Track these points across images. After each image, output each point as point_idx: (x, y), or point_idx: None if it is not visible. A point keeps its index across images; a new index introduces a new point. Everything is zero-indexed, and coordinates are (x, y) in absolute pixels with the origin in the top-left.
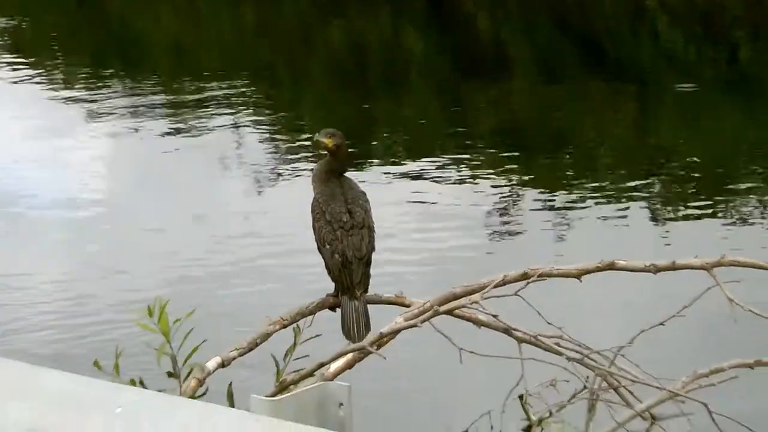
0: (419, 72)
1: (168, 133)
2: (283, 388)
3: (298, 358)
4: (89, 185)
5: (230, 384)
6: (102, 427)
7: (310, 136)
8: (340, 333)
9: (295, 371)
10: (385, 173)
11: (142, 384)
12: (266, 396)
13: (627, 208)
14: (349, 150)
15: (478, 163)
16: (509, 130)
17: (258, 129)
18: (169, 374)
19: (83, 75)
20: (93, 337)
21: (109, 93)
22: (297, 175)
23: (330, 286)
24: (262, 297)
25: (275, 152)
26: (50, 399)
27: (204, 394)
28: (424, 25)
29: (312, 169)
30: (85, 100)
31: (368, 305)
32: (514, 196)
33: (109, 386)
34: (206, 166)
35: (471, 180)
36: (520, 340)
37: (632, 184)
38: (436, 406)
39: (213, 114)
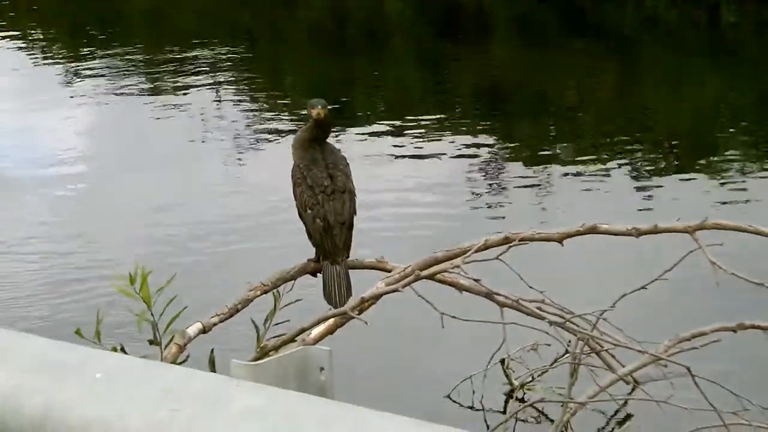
0: (400, 35)
1: (147, 97)
2: (264, 353)
3: (278, 323)
4: (67, 150)
5: (212, 350)
6: (81, 392)
7: (290, 99)
8: (321, 298)
9: (276, 336)
10: (365, 135)
11: (123, 351)
12: (247, 361)
13: (608, 171)
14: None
15: (459, 126)
16: (490, 93)
17: (238, 92)
18: (151, 342)
19: (62, 42)
20: (75, 304)
21: (88, 59)
22: (277, 137)
23: (311, 250)
24: (244, 260)
25: (256, 114)
26: (28, 364)
27: (185, 360)
28: None
29: (294, 134)
30: (64, 66)
31: (350, 270)
32: (495, 159)
33: (89, 352)
34: (186, 129)
35: (452, 143)
36: (501, 305)
37: (614, 147)
38: (417, 371)
39: (193, 77)
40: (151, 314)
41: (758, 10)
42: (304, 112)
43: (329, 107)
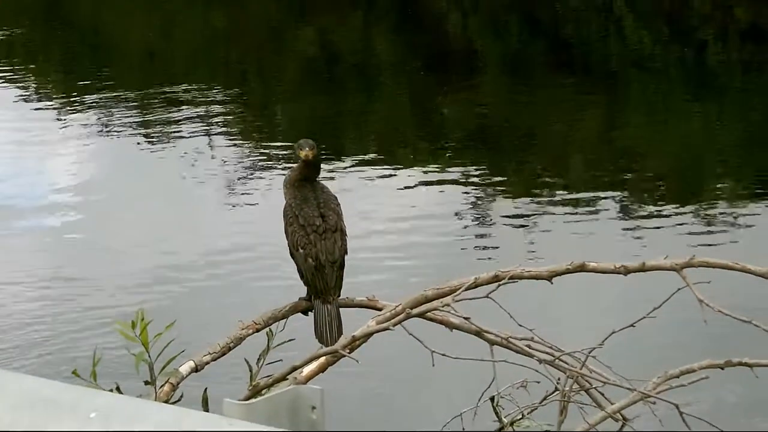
0: (389, 72)
1: (138, 135)
2: (256, 392)
3: (271, 363)
4: (60, 189)
5: (205, 390)
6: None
7: (280, 135)
8: (313, 336)
9: (268, 376)
10: (355, 174)
11: (119, 390)
12: (240, 400)
13: (597, 208)
14: (320, 151)
15: (448, 163)
16: (479, 129)
17: (229, 129)
18: (146, 383)
19: (55, 79)
20: (72, 344)
21: (80, 94)
22: (268, 177)
23: (303, 289)
24: (237, 300)
25: (246, 151)
26: (23, 403)
27: (179, 399)
28: (395, 25)
29: (285, 174)
30: (57, 104)
31: (341, 309)
32: (484, 196)
33: (84, 391)
34: (178, 167)
35: (441, 180)
36: (491, 343)
37: (602, 184)
38: (408, 409)
39: (184, 116)
40: (149, 356)
41: (744, 49)
42: (293, 149)
43: (317, 147)
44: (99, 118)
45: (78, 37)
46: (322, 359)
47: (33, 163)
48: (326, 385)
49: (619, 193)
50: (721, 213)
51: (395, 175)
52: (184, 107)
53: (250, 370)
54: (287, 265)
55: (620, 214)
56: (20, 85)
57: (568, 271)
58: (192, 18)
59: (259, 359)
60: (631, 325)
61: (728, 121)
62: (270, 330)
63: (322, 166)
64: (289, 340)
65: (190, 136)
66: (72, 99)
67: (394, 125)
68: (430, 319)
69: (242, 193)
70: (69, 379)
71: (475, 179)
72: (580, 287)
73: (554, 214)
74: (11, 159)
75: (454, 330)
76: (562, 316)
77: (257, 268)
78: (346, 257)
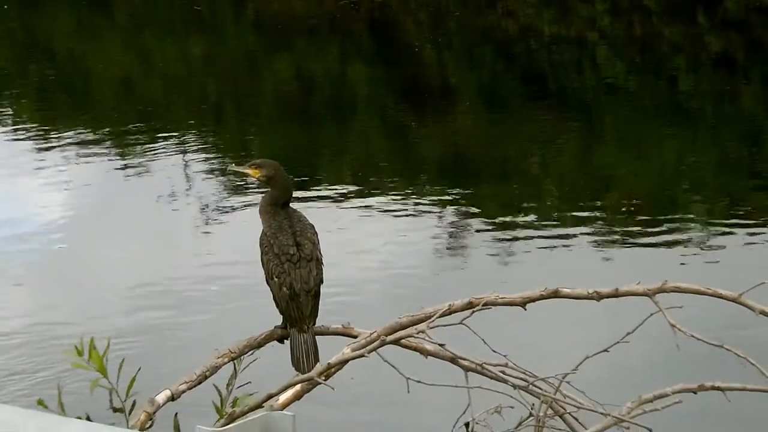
0: (365, 103)
1: (114, 166)
2: (231, 419)
3: (241, 385)
4: (33, 218)
5: (176, 415)
6: None
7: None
8: (289, 364)
9: (232, 403)
10: (330, 203)
11: (89, 419)
12: (213, 427)
13: (571, 236)
14: (293, 179)
15: (424, 192)
16: (454, 159)
17: (205, 160)
18: (114, 409)
19: (28, 108)
20: (36, 374)
21: (56, 128)
22: (244, 207)
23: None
24: (211, 328)
25: (223, 184)
26: None
27: (150, 425)
28: (370, 57)
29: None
30: (32, 135)
31: (316, 337)
32: (460, 225)
33: (56, 419)
34: (153, 197)
35: (416, 209)
36: (466, 369)
37: (576, 212)
38: None
39: (160, 147)
40: (108, 381)
41: (716, 77)
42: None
43: (276, 167)
44: (74, 150)
45: (54, 69)
46: (298, 387)
47: (5, 193)
48: (301, 413)
49: (592, 219)
50: (693, 239)
51: (370, 204)
52: (158, 138)
53: (221, 396)
54: (263, 293)
55: (594, 240)
56: None
57: (542, 297)
58: (169, 48)
59: (228, 384)
60: (605, 350)
61: (701, 147)
62: (240, 358)
63: (297, 194)
64: (254, 360)
65: (165, 165)
66: (47, 129)
67: (368, 154)
68: (405, 346)
69: (217, 222)
70: (32, 408)
71: (450, 207)
72: (554, 313)
73: (528, 240)
74: None
75: (428, 357)
76: (536, 342)
77: (231, 295)
78: (322, 286)
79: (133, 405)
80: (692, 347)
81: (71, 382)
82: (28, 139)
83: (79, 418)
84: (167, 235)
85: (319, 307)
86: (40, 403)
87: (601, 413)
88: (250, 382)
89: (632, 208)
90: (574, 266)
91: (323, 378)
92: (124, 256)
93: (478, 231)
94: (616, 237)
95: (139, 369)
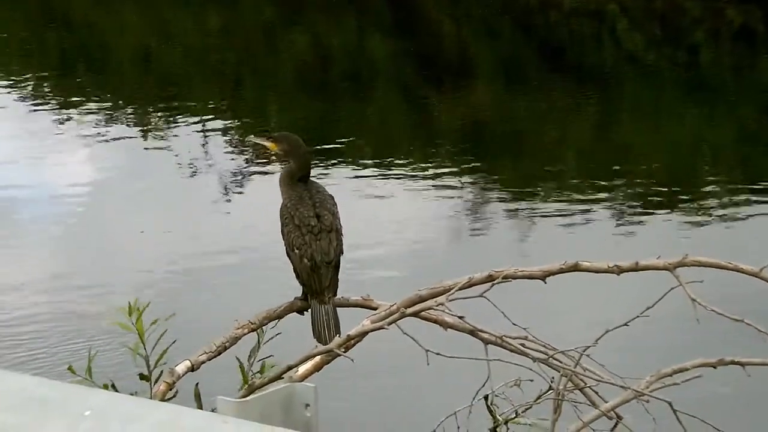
0: (383, 75)
1: (134, 137)
2: (252, 390)
3: (263, 358)
4: (57, 192)
5: (197, 384)
6: (70, 430)
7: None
8: (309, 335)
9: (258, 372)
10: (349, 176)
11: (114, 388)
12: (235, 398)
13: (591, 209)
14: (313, 152)
15: (443, 164)
16: (473, 132)
17: (225, 132)
18: (141, 376)
19: (51, 82)
20: (67, 343)
21: (76, 98)
22: (263, 176)
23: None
24: (234, 299)
25: (242, 154)
26: (14, 401)
27: (174, 396)
28: (389, 30)
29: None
30: (51, 106)
31: (336, 308)
32: (479, 197)
33: (79, 389)
34: (173, 170)
35: (436, 182)
36: (485, 342)
37: (595, 185)
38: (403, 408)
39: (179, 118)
40: (144, 348)
41: (736, 50)
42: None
43: (299, 145)
44: (95, 122)
45: (72, 40)
46: (317, 358)
47: (28, 166)
48: (320, 384)
49: (612, 193)
50: (713, 212)
51: (388, 176)
52: (178, 110)
53: (242, 368)
54: (284, 265)
55: (614, 214)
56: (16, 87)
57: (561, 271)
58: (186, 19)
59: (249, 357)
60: (625, 324)
61: (721, 120)
62: (262, 329)
63: (317, 169)
64: (277, 334)
65: (186, 138)
66: (67, 101)
67: (388, 128)
68: (425, 319)
69: (238, 193)
70: (62, 376)
71: (470, 180)
72: (574, 287)
73: (548, 214)
74: (6, 162)
75: (448, 329)
76: (556, 316)
77: (254, 267)
78: (342, 257)
79: (160, 375)
80: (712, 322)
81: (95, 348)
82: (49, 109)
83: (105, 386)
84: (186, 207)
85: (339, 279)
86: (70, 369)
87: (621, 386)
88: (272, 356)
89: (652, 181)
90: (594, 239)
91: (343, 350)
92: (144, 225)
93: (497, 203)
94: (637, 210)
95: (174, 341)
